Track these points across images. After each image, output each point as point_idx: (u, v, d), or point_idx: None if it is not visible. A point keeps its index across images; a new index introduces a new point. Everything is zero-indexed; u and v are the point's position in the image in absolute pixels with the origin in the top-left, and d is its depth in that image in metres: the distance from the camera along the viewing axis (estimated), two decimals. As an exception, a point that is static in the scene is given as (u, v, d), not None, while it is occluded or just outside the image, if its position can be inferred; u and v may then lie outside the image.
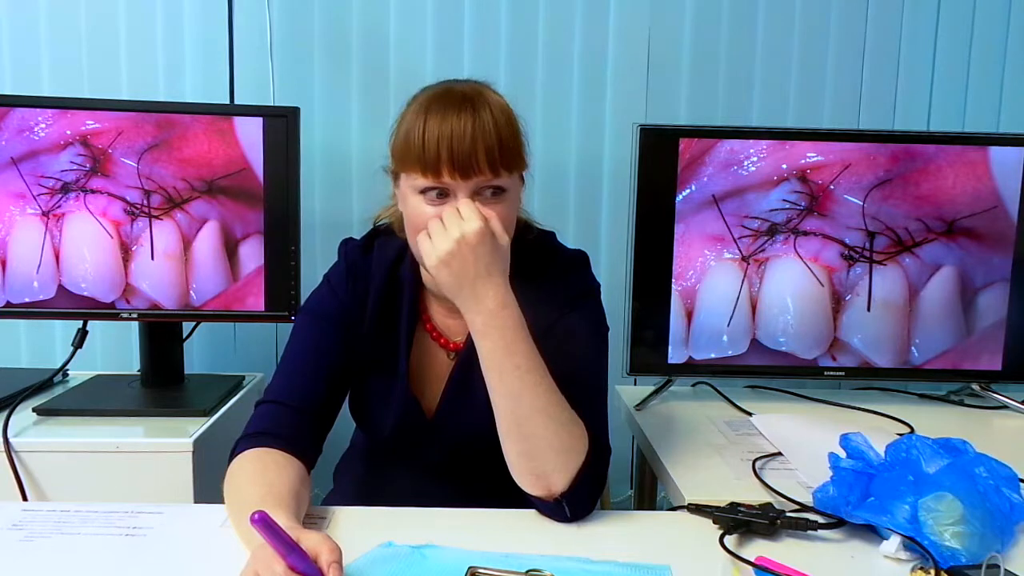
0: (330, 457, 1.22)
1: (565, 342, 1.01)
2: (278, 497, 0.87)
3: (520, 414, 0.94)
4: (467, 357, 1.07)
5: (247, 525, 0.74)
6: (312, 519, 0.95)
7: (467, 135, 0.93)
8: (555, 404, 0.94)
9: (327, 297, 1.11)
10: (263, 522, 0.72)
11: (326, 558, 0.76)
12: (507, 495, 0.99)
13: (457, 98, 0.95)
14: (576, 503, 0.95)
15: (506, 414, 0.95)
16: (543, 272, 1.07)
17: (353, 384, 1.13)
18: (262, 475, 0.92)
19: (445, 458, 1.13)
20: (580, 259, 1.13)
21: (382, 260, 1.10)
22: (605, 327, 1.10)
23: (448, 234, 0.92)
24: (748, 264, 1.49)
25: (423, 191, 0.96)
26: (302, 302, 1.42)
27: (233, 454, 0.98)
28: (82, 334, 1.46)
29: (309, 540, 0.77)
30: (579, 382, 0.99)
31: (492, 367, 0.94)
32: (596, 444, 0.97)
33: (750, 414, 1.43)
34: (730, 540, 0.89)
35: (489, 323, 0.93)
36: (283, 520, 0.79)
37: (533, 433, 0.93)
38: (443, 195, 0.95)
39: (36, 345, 1.82)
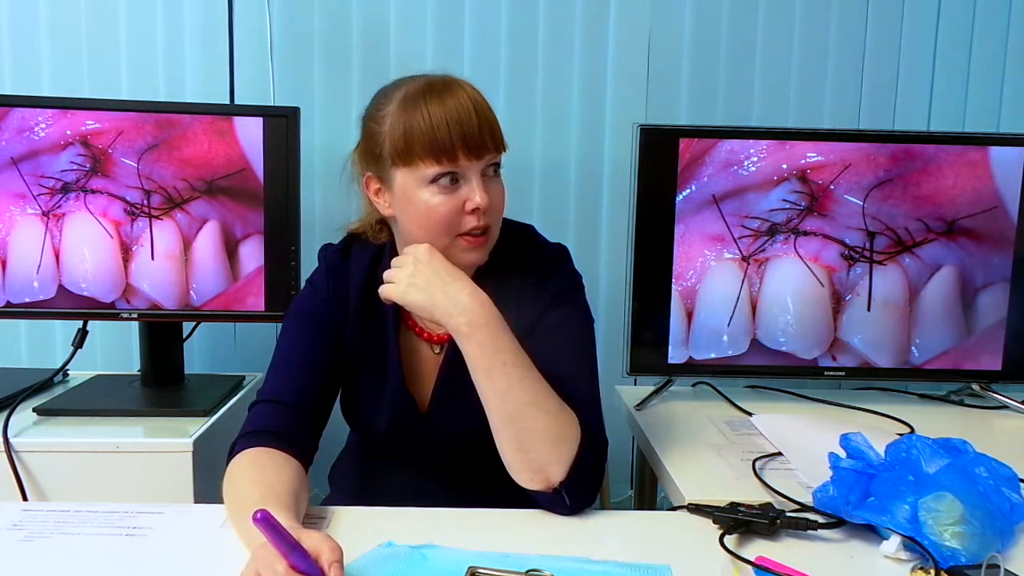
0: (325, 462, 1.22)
1: (552, 338, 1.02)
2: (278, 497, 0.87)
3: (511, 409, 0.95)
4: (454, 350, 1.08)
5: (246, 525, 0.74)
6: (312, 519, 0.95)
7: (472, 115, 0.96)
8: (543, 395, 0.96)
9: (311, 299, 1.12)
10: (266, 521, 0.72)
11: (327, 558, 0.76)
12: (503, 491, 0.99)
13: (445, 85, 0.98)
14: (575, 492, 0.96)
15: (497, 410, 0.96)
16: (526, 267, 1.08)
17: (344, 386, 1.13)
18: (261, 475, 0.92)
19: (440, 454, 1.13)
20: (562, 253, 1.14)
21: (361, 262, 1.11)
22: (589, 320, 1.11)
23: (403, 262, 0.99)
24: (748, 264, 1.49)
25: (435, 179, 0.97)
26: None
27: (231, 454, 0.98)
28: (82, 334, 1.46)
29: (310, 540, 0.77)
30: (570, 377, 1.00)
31: (480, 367, 0.96)
32: (591, 435, 0.98)
33: (750, 414, 1.43)
34: (730, 540, 0.89)
35: (472, 322, 0.95)
36: (283, 520, 0.79)
37: (525, 426, 0.95)
38: (455, 180, 0.98)
39: (36, 345, 1.82)
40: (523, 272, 1.07)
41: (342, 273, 1.12)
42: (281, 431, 0.99)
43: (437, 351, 1.12)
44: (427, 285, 0.97)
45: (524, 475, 0.96)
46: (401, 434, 1.12)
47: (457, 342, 0.98)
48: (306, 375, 1.05)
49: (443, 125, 0.95)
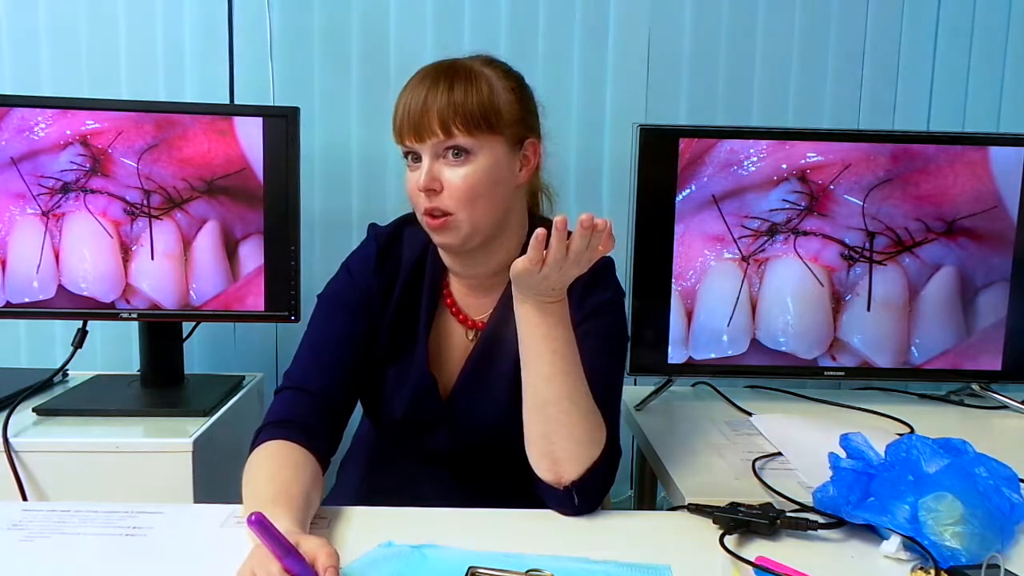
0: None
1: (586, 345, 1.02)
2: (289, 499, 0.87)
3: (547, 397, 0.95)
4: (488, 338, 1.08)
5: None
6: (313, 519, 0.94)
7: (421, 100, 0.99)
8: (582, 394, 0.96)
9: (346, 285, 1.11)
10: (259, 524, 0.73)
11: (323, 562, 0.76)
12: (510, 493, 0.99)
13: (430, 71, 1.02)
14: (585, 494, 0.96)
15: (534, 395, 0.96)
16: None
17: (371, 369, 1.13)
18: (278, 472, 0.93)
19: (452, 446, 1.13)
20: (606, 265, 1.13)
21: (412, 246, 1.11)
22: (625, 335, 1.11)
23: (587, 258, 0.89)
24: (748, 264, 1.49)
25: (405, 156, 1.04)
26: (302, 302, 1.44)
27: (255, 443, 0.98)
28: (82, 334, 1.46)
29: (308, 544, 0.77)
30: (596, 385, 0.99)
31: (530, 348, 0.96)
32: (611, 444, 0.98)
33: (750, 414, 1.43)
34: (730, 540, 0.89)
35: (541, 309, 0.94)
36: (286, 524, 0.80)
37: (556, 417, 0.95)
38: (417, 159, 1.01)
39: (36, 345, 1.82)
40: None
41: (393, 255, 1.12)
42: (306, 423, 0.99)
43: (470, 337, 1.12)
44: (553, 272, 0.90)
45: (541, 463, 0.97)
46: (417, 420, 1.11)
47: (517, 318, 0.96)
48: (336, 364, 1.05)
49: (402, 106, 1.01)
